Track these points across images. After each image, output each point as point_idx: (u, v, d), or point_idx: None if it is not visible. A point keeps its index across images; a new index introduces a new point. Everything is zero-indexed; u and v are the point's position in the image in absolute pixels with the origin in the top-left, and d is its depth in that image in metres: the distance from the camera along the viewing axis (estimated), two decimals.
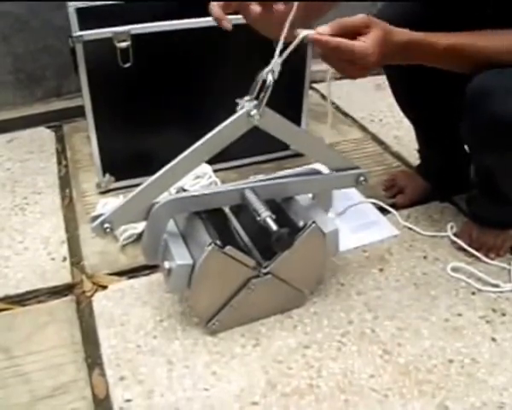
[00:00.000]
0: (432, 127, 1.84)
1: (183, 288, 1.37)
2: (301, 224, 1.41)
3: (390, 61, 1.36)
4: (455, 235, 1.78)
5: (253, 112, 1.30)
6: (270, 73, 1.29)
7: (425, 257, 1.74)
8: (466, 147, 1.67)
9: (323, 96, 2.84)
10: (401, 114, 1.95)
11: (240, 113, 1.31)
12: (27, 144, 2.41)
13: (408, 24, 1.37)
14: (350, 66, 1.30)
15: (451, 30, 1.37)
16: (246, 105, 1.31)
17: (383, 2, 1.76)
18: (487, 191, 1.67)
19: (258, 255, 1.44)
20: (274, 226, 1.28)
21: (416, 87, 1.74)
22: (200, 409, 1.28)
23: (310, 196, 1.52)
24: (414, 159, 2.15)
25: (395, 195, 2.01)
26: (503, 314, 1.54)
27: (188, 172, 1.36)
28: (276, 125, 1.36)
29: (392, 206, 1.96)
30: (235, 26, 1.86)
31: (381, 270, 1.69)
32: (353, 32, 1.26)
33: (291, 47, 1.26)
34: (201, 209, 1.41)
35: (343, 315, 1.53)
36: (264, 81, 1.29)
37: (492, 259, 1.70)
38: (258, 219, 1.31)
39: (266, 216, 1.30)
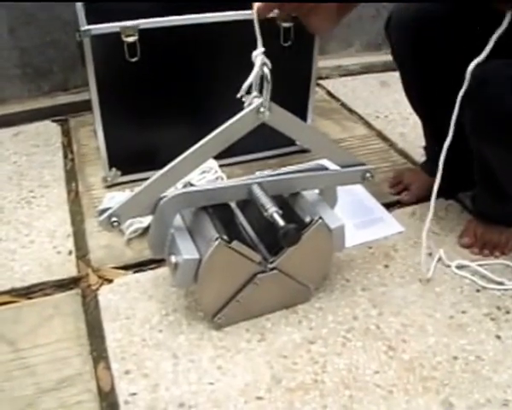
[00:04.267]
0: (441, 123, 1.84)
1: (190, 282, 1.38)
2: (308, 219, 1.41)
3: None
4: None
5: (262, 108, 1.30)
6: (264, 66, 1.29)
7: (430, 254, 1.74)
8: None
9: (329, 93, 2.84)
10: (407, 110, 1.96)
11: (249, 109, 1.31)
12: (33, 138, 2.42)
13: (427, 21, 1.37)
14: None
15: (470, 27, 1.37)
16: (254, 101, 1.31)
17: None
18: (488, 188, 1.67)
19: (265, 250, 1.45)
20: (281, 222, 1.29)
21: (428, 81, 1.73)
22: (205, 403, 1.28)
23: (316, 191, 1.52)
24: (419, 156, 2.16)
25: (400, 192, 2.01)
26: (508, 312, 1.54)
27: (196, 167, 1.36)
28: (284, 121, 1.36)
29: (398, 203, 1.97)
30: (244, 22, 1.87)
31: (386, 266, 1.69)
32: None
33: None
34: (208, 204, 1.42)
35: (348, 311, 1.53)
36: (262, 76, 1.30)
37: (497, 257, 1.71)
38: (266, 214, 1.32)
39: (273, 211, 1.30)
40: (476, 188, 1.76)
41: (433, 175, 1.95)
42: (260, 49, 1.30)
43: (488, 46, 1.33)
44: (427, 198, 1.93)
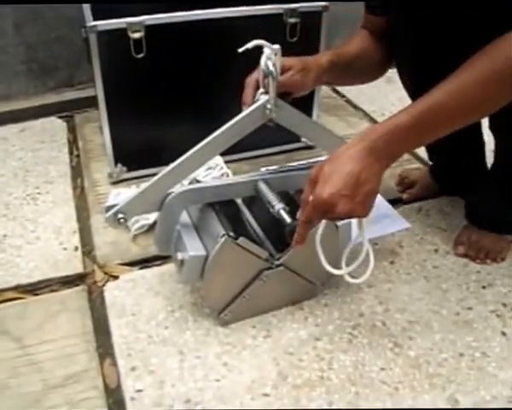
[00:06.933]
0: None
1: (196, 279, 1.38)
2: None
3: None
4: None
5: (269, 105, 1.30)
6: (269, 60, 1.29)
7: (436, 250, 1.74)
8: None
9: (334, 89, 2.84)
10: None
11: (256, 105, 1.31)
12: (39, 134, 2.42)
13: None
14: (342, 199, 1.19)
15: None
16: (261, 98, 1.31)
17: None
18: (500, 185, 1.66)
19: (271, 247, 1.45)
20: (288, 219, 1.29)
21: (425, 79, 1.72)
22: (211, 400, 1.28)
23: None
24: (424, 152, 2.15)
25: (404, 190, 2.01)
26: None
27: (202, 163, 1.36)
28: (291, 118, 1.36)
29: (401, 200, 1.99)
30: (250, 17, 1.87)
31: (391, 263, 1.69)
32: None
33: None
34: (215, 201, 1.42)
35: (354, 307, 1.53)
36: (266, 73, 1.30)
37: (488, 264, 1.69)
38: (272, 210, 1.32)
39: (280, 208, 1.30)
40: (480, 190, 1.75)
41: (439, 181, 1.95)
42: (276, 46, 1.30)
43: None
44: (430, 198, 1.94)
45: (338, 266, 1.35)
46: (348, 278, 1.37)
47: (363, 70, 1.65)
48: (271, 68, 1.29)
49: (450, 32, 1.37)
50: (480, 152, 1.87)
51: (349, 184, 1.17)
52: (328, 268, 1.33)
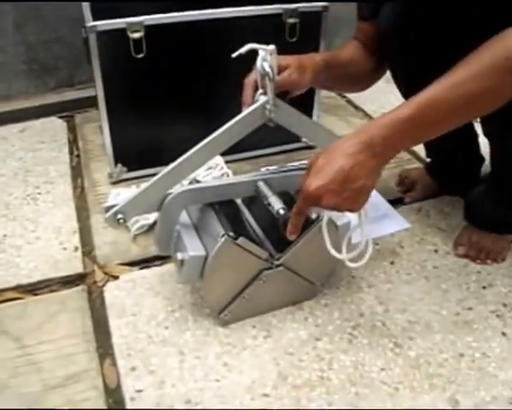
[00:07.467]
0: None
1: (196, 279, 1.38)
2: (314, 216, 1.40)
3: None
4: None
5: (269, 106, 1.30)
6: (264, 62, 1.29)
7: (436, 251, 1.74)
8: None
9: None
10: None
11: (255, 106, 1.31)
12: (39, 134, 2.42)
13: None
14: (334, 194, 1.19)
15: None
16: (260, 99, 1.31)
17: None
18: (499, 185, 1.66)
19: (271, 247, 1.44)
20: (281, 210, 1.29)
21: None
22: (211, 400, 1.28)
23: None
24: (424, 152, 2.15)
25: (405, 191, 2.01)
26: None
27: (202, 164, 1.36)
28: (290, 118, 1.36)
29: (401, 200, 1.99)
30: (250, 18, 1.87)
31: (392, 263, 1.69)
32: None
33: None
34: (214, 201, 1.42)
35: (354, 308, 1.53)
36: (263, 74, 1.30)
37: (488, 264, 1.69)
38: (270, 208, 1.32)
39: (279, 208, 1.30)
40: (479, 191, 1.75)
41: (437, 179, 1.95)
42: (271, 46, 1.30)
43: None
44: (430, 198, 1.94)
45: (338, 261, 1.37)
46: (348, 263, 1.37)
47: (353, 77, 1.68)
48: (267, 70, 1.29)
49: (446, 33, 1.38)
50: (474, 143, 1.89)
51: (337, 179, 1.17)
52: (333, 252, 1.35)
